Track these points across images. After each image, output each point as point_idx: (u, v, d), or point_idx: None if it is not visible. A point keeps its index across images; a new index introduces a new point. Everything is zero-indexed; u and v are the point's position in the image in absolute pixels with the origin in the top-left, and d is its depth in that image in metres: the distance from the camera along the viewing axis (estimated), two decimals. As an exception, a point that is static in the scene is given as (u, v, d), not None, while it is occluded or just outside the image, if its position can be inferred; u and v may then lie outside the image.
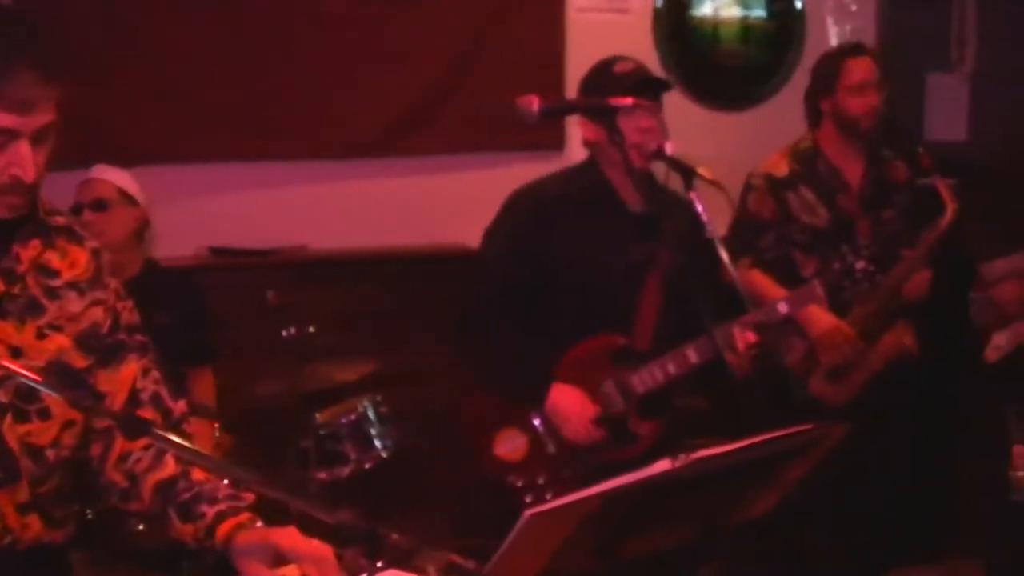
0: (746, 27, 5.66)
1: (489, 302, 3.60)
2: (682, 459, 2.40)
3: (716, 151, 5.49)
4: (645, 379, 3.51)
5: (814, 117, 4.38)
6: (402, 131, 5.13)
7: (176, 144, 4.94)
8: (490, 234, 3.65)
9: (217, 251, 5.04)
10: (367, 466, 4.39)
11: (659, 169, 3.54)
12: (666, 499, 2.47)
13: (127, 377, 2.44)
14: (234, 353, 4.59)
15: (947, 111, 6.03)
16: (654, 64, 5.51)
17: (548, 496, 3.49)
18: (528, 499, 3.51)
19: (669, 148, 3.41)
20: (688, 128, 5.52)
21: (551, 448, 3.55)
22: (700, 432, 4.98)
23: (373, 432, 4.43)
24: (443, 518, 5.01)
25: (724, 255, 3.23)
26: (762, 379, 4.03)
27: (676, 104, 5.51)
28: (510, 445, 3.57)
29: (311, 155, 5.12)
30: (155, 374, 2.51)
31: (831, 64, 4.33)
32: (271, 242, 5.07)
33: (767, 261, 4.27)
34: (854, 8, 5.82)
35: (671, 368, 3.49)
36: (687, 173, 3.45)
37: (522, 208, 3.61)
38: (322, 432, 4.34)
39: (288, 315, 4.11)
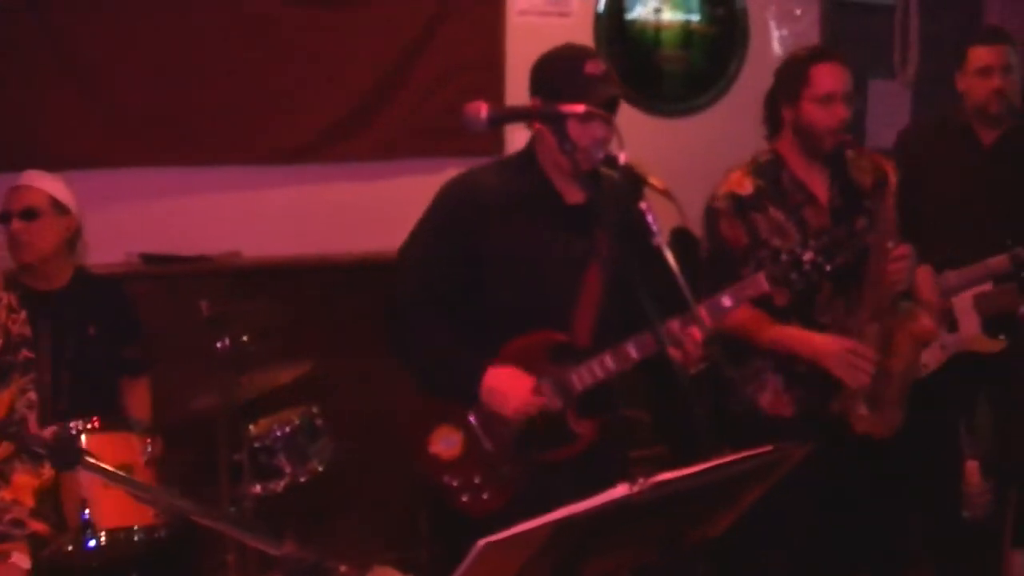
0: (688, 32, 5.59)
1: (420, 295, 3.43)
2: (640, 484, 2.32)
3: (657, 158, 5.46)
4: (584, 376, 3.35)
5: (774, 125, 3.98)
6: (337, 136, 5.01)
7: (107, 149, 4.78)
8: (421, 224, 3.47)
9: (148, 258, 4.88)
10: (302, 479, 4.30)
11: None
12: (626, 522, 2.41)
13: (7, 399, 2.32)
14: (167, 362, 4.48)
15: (888, 117, 6.01)
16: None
17: (485, 496, 3.40)
18: (464, 499, 3.41)
19: (623, 157, 3.28)
20: (628, 134, 5.48)
21: (487, 445, 3.41)
22: (641, 440, 4.99)
23: (308, 445, 4.34)
24: (381, 529, 4.92)
25: (676, 270, 3.12)
26: (707, 391, 3.97)
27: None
28: (445, 443, 3.42)
29: (244, 161, 4.99)
30: (30, 396, 2.39)
31: (797, 69, 3.86)
32: (204, 249, 4.94)
33: None
34: (798, 13, 5.77)
35: (610, 364, 3.33)
36: (638, 182, 3.36)
37: (455, 197, 3.44)
38: (256, 445, 4.24)
39: (222, 325, 3.97)
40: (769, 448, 2.59)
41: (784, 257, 3.37)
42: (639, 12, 5.52)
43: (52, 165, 4.40)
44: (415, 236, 3.47)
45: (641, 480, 2.32)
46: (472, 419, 3.41)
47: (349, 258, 5.09)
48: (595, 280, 3.44)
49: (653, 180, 3.37)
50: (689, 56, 5.61)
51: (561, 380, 3.37)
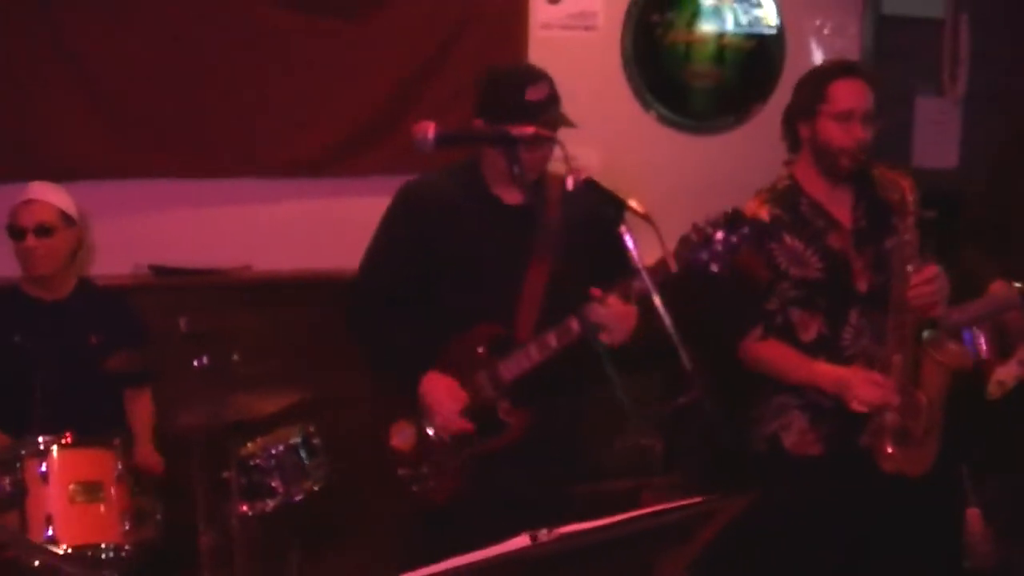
0: (721, 46, 5.43)
1: (375, 291, 3.63)
2: (543, 535, 2.21)
3: (684, 177, 5.35)
4: (511, 367, 3.45)
5: (793, 142, 3.82)
6: (351, 150, 4.94)
7: (116, 160, 4.76)
8: (378, 229, 3.65)
9: (157, 270, 4.86)
10: (297, 498, 4.22)
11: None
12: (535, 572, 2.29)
13: None
14: (167, 376, 4.42)
15: (937, 136, 5.80)
16: (621, 85, 5.33)
17: (431, 485, 3.57)
18: (415, 489, 3.57)
19: (579, 177, 3.19)
20: (657, 152, 5.38)
21: (433, 438, 3.56)
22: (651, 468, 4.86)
23: (305, 463, 4.26)
24: (378, 549, 4.83)
25: (656, 298, 3.00)
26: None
27: (645, 127, 5.39)
28: (402, 436, 3.59)
29: (256, 173, 4.94)
30: None
31: (816, 83, 3.71)
32: (214, 262, 4.91)
33: (779, 327, 3.72)
34: (837, 27, 5.56)
35: (534, 353, 3.41)
36: (618, 205, 3.25)
37: (402, 201, 3.61)
38: (251, 463, 4.18)
39: (201, 342, 3.91)
40: (699, 500, 2.47)
41: (693, 237, 3.22)
42: (670, 25, 5.36)
43: (61, 176, 4.41)
44: (372, 240, 3.66)
45: (545, 531, 2.22)
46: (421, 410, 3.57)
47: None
48: (537, 277, 3.51)
49: (632, 203, 3.24)
50: (722, 72, 5.44)
51: (493, 371, 3.47)
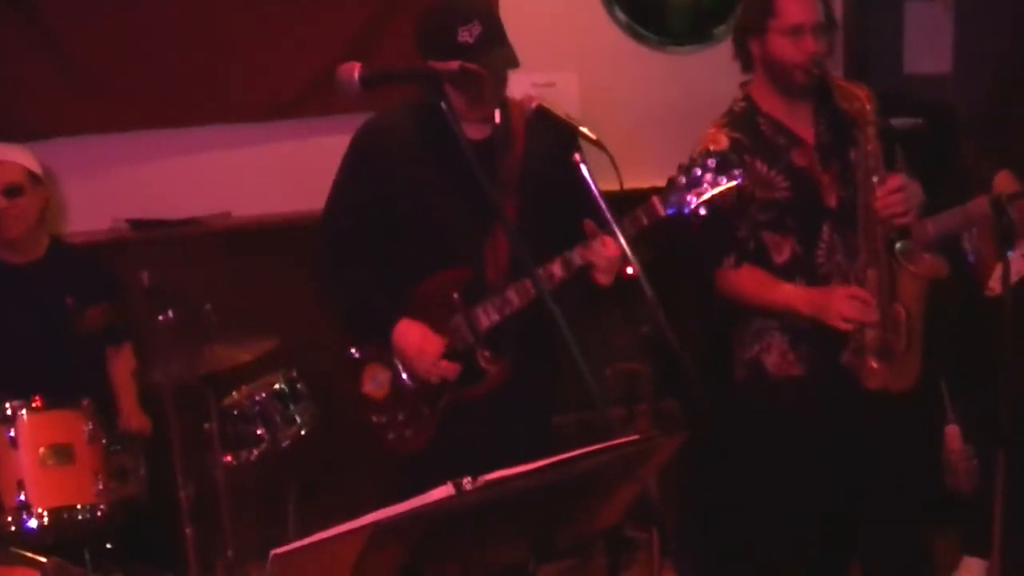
0: (698, -39, 5.28)
1: (338, 238, 3.52)
2: (467, 484, 2.18)
3: (665, 97, 5.25)
4: (490, 312, 3.38)
5: (745, 61, 3.73)
6: (320, 90, 4.82)
7: (83, 115, 4.72)
8: (338, 171, 3.54)
9: (135, 223, 4.83)
10: (284, 444, 4.23)
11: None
12: (464, 523, 2.26)
13: None
14: (138, 331, 4.40)
15: (929, 41, 5.65)
16: (596, 5, 5.21)
17: (408, 434, 3.49)
18: (390, 436, 3.50)
19: (534, 103, 3.16)
20: (635, 73, 5.28)
21: (409, 384, 3.48)
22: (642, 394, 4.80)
23: (290, 408, 4.26)
24: (373, 487, 4.83)
25: (620, 234, 2.95)
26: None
27: (622, 47, 5.27)
28: (375, 382, 3.51)
29: (224, 119, 4.89)
30: None
31: None
32: (193, 211, 4.87)
33: (752, 253, 3.64)
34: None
35: (514, 299, 3.34)
36: (569, 133, 3.20)
37: (358, 142, 3.49)
38: (233, 412, 4.18)
39: (165, 297, 3.89)
40: (634, 438, 2.43)
41: (681, 180, 3.17)
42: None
43: (30, 135, 4.40)
44: (333, 184, 3.55)
45: (468, 481, 2.19)
46: (397, 360, 3.48)
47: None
48: (507, 212, 3.35)
49: (584, 130, 3.19)
50: (699, -14, 5.30)
51: (469, 316, 3.39)
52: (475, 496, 2.19)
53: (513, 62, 3.27)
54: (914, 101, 5.24)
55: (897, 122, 4.46)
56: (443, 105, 2.93)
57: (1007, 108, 4.44)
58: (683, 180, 3.19)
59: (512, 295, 3.33)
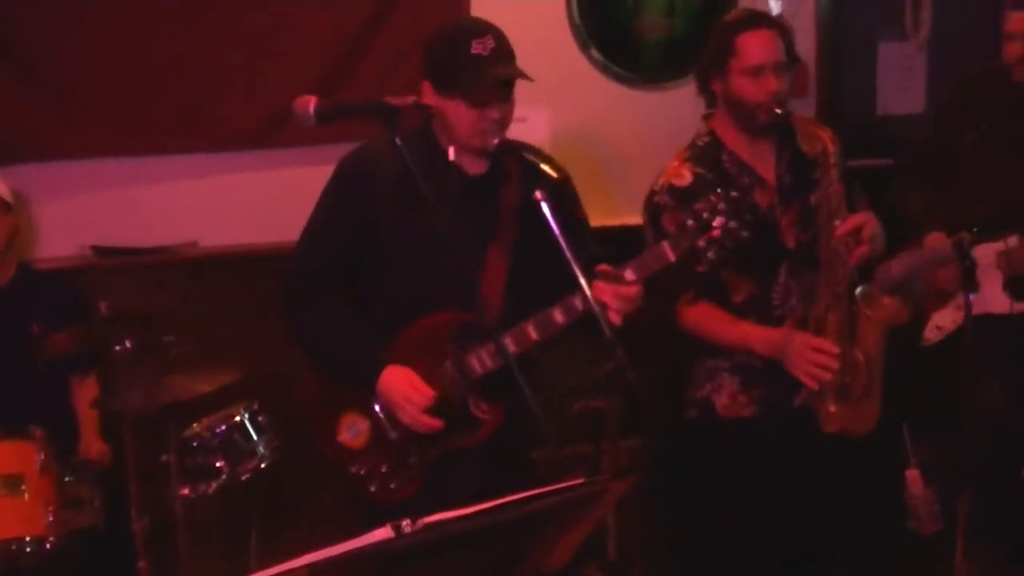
0: (671, -5, 5.28)
1: (316, 273, 3.30)
2: (406, 526, 2.15)
3: (637, 133, 5.24)
4: (484, 359, 3.17)
5: (709, 98, 3.73)
6: (290, 120, 4.80)
7: (51, 140, 4.68)
8: (319, 201, 3.34)
9: (101, 250, 4.79)
10: (243, 477, 4.18)
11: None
12: (405, 564, 2.23)
13: None
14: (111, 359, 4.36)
15: (902, 82, 5.67)
16: (568, 41, 5.22)
17: (393, 485, 3.29)
18: (372, 488, 3.30)
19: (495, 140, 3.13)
20: (608, 109, 5.27)
21: (393, 435, 3.26)
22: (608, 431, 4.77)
23: (252, 440, 4.22)
24: (327, 525, 4.79)
25: (576, 269, 2.91)
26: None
27: (594, 83, 5.27)
28: (352, 431, 3.30)
29: (193, 148, 4.85)
30: None
31: (723, 37, 3.59)
32: (161, 239, 4.85)
33: (711, 287, 3.61)
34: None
35: (511, 346, 3.09)
36: (532, 169, 3.17)
37: (349, 171, 3.30)
38: (193, 444, 4.13)
39: (127, 324, 3.85)
40: (580, 481, 2.40)
41: (690, 223, 3.08)
42: (619, -22, 5.22)
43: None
44: (313, 213, 3.34)
45: (407, 523, 2.16)
46: (377, 408, 3.28)
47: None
48: (501, 254, 3.26)
49: (546, 168, 3.17)
50: (672, 24, 5.29)
51: (461, 363, 3.21)
52: (414, 538, 2.16)
53: (525, 76, 3.15)
54: (887, 141, 5.26)
55: (870, 162, 4.50)
56: (397, 140, 2.87)
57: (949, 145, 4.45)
58: (690, 224, 3.11)
59: (509, 342, 3.10)
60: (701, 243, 3.07)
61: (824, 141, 3.47)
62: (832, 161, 3.46)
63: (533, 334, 3.12)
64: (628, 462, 4.80)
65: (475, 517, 2.23)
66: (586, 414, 4.77)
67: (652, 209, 3.64)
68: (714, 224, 3.06)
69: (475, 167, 3.27)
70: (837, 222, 3.46)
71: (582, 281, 2.93)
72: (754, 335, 3.55)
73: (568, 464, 3.84)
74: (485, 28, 3.18)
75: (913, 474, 3.53)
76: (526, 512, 2.29)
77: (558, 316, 3.10)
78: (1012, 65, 4.30)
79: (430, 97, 3.21)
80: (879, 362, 3.54)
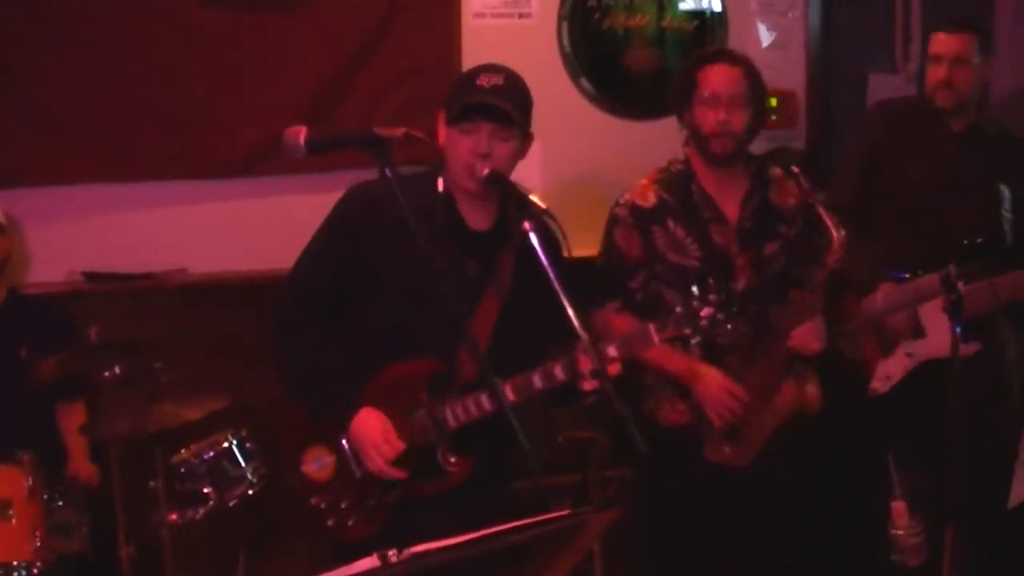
0: (661, 29, 5.31)
1: (306, 301, 3.31)
2: (392, 556, 2.16)
3: (629, 165, 5.22)
4: (458, 413, 3.18)
5: (685, 129, 3.85)
6: (280, 148, 4.82)
7: (43, 165, 4.70)
8: (318, 230, 3.34)
9: (91, 276, 4.80)
10: (231, 504, 4.18)
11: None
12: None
13: None
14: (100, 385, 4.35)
15: (892, 114, 5.68)
16: (559, 74, 5.24)
17: (350, 523, 3.30)
18: (330, 522, 3.31)
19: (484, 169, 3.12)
20: (599, 141, 5.29)
21: (357, 473, 3.27)
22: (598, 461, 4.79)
23: (239, 466, 4.21)
24: (308, 557, 4.79)
25: (562, 296, 2.91)
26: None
27: (585, 115, 5.29)
28: (317, 464, 3.32)
29: (184, 175, 4.87)
30: None
31: (687, 71, 3.77)
32: (148, 266, 4.86)
33: (638, 304, 3.74)
34: (782, 7, 5.45)
35: (486, 404, 3.14)
36: (520, 202, 3.18)
37: (352, 206, 3.29)
38: (180, 470, 4.13)
39: (116, 351, 3.85)
40: (564, 513, 2.41)
41: (679, 310, 3.10)
42: (607, 10, 5.26)
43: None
44: (310, 241, 3.35)
45: (393, 552, 2.17)
46: (344, 444, 3.29)
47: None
48: (490, 310, 3.27)
49: (534, 199, 3.18)
50: (662, 56, 5.33)
51: (435, 414, 3.21)
52: (400, 568, 2.17)
53: (508, 110, 3.13)
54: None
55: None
56: (387, 172, 2.86)
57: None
58: (679, 311, 3.12)
59: (484, 401, 3.14)
60: (687, 331, 3.11)
61: (830, 229, 3.60)
62: (835, 257, 3.59)
63: (538, 383, 3.12)
64: (616, 491, 4.81)
65: (460, 548, 2.24)
66: (572, 444, 4.80)
67: (611, 218, 3.84)
68: (702, 315, 3.08)
69: (479, 221, 3.29)
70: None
71: (572, 317, 2.91)
72: (667, 356, 3.71)
73: (552, 494, 3.84)
74: (501, 69, 3.23)
75: (899, 506, 3.54)
76: (511, 543, 2.31)
77: (559, 372, 3.11)
78: (935, 90, 4.25)
79: (440, 128, 3.24)
80: (772, 427, 3.73)
